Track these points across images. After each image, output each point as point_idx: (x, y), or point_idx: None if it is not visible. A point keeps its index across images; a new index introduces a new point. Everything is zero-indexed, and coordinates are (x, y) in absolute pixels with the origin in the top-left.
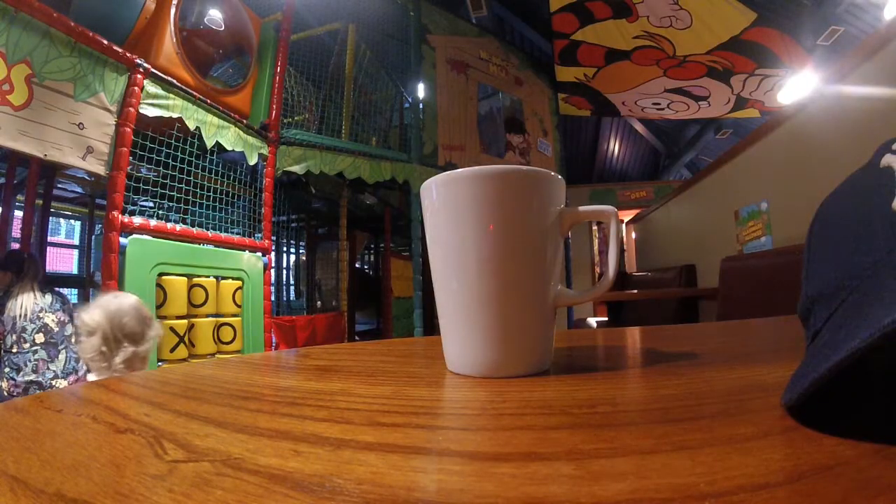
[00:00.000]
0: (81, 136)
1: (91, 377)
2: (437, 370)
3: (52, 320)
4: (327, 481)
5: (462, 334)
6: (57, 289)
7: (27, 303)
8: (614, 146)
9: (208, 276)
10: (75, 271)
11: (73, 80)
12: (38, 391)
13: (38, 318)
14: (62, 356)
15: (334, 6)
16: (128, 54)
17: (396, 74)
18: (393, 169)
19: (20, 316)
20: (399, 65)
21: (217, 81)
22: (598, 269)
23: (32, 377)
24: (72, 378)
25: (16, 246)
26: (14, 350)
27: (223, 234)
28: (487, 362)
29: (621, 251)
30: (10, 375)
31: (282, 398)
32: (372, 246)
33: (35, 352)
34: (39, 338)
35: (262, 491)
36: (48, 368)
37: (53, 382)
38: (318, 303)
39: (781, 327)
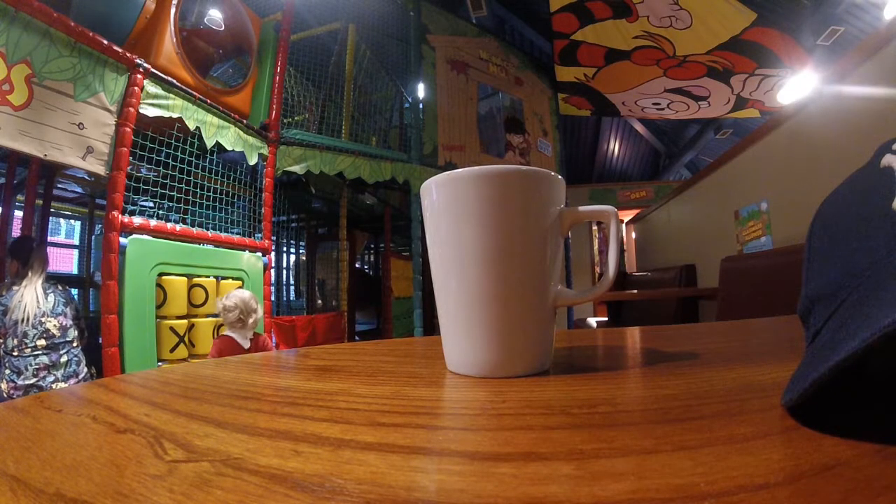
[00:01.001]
0: (81, 136)
1: (228, 331)
2: (437, 370)
3: (54, 325)
4: (327, 481)
5: (462, 334)
6: (60, 285)
7: (30, 307)
8: (614, 146)
9: (208, 276)
10: (75, 271)
11: (73, 80)
12: (38, 393)
13: (41, 323)
14: (63, 359)
15: (334, 6)
16: (128, 54)
17: (396, 74)
18: (393, 169)
19: (22, 321)
20: (399, 65)
21: (217, 81)
22: (598, 269)
23: (33, 381)
24: (72, 381)
25: None
26: (15, 353)
27: (223, 234)
28: (487, 362)
29: (621, 251)
30: (11, 378)
31: (282, 398)
32: (372, 246)
33: (36, 356)
34: (41, 343)
35: (262, 491)
36: (49, 372)
37: (54, 386)
38: (319, 301)
39: (781, 327)
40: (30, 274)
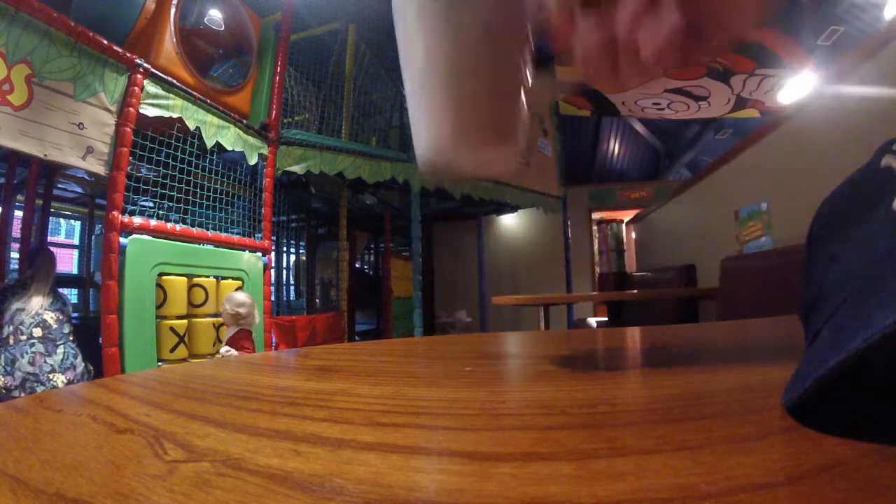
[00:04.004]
0: (81, 136)
1: (244, 327)
2: (437, 370)
3: (52, 318)
4: (327, 481)
5: (427, 113)
6: (60, 291)
7: (35, 301)
8: (614, 146)
9: (208, 276)
10: (75, 271)
11: (73, 80)
12: (35, 384)
13: (38, 314)
14: (60, 350)
15: (334, 6)
16: (128, 54)
17: (396, 74)
18: (393, 169)
19: (21, 310)
20: (399, 65)
21: (217, 81)
22: (598, 269)
23: (30, 369)
24: (69, 373)
25: (16, 246)
26: (11, 341)
27: (223, 234)
28: (449, 138)
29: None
30: (7, 369)
31: (282, 398)
32: (372, 246)
33: (32, 345)
34: (37, 332)
35: (262, 491)
36: (45, 362)
37: (51, 377)
38: (317, 299)
39: (781, 327)
40: (40, 281)
